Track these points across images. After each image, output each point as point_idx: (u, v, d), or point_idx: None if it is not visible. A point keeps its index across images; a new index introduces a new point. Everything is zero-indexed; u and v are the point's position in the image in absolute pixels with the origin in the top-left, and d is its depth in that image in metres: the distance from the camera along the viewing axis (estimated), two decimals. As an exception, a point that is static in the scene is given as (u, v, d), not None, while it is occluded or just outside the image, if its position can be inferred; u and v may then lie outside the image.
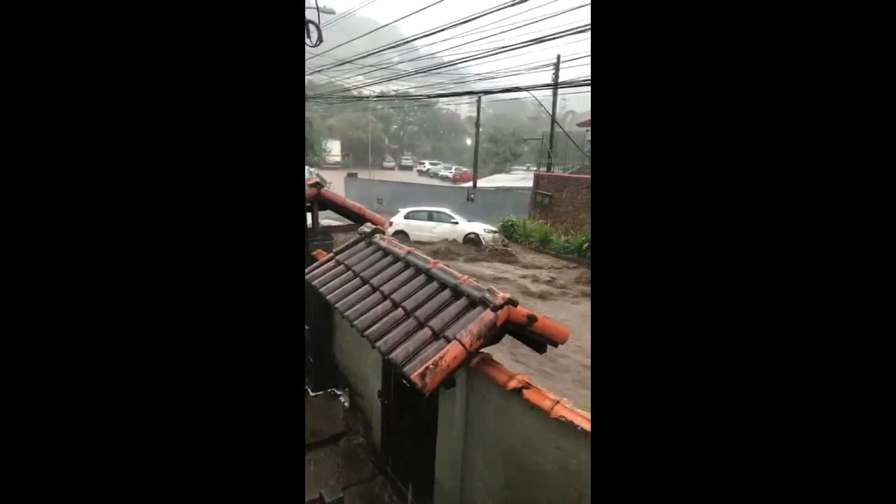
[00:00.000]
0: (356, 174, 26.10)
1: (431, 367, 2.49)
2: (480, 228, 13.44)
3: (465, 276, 3.11)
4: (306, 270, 3.99)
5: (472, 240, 13.06)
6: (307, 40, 4.36)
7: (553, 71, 14.90)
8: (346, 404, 4.80)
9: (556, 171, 17.58)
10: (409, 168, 41.92)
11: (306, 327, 4.93)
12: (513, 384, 2.70)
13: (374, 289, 3.29)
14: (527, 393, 2.63)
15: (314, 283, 3.73)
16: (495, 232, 13.61)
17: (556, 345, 3.04)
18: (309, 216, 5.10)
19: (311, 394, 4.90)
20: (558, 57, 14.64)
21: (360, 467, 4.05)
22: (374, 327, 2.90)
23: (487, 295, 2.80)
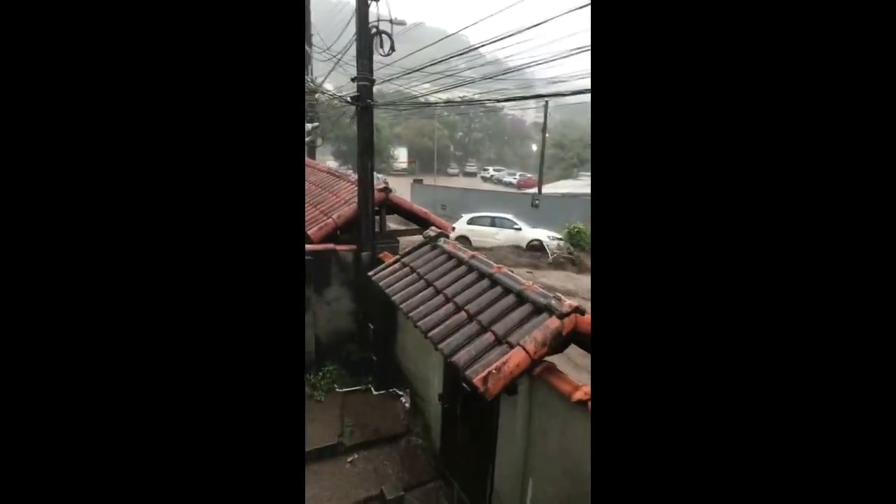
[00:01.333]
0: (422, 180, 26.65)
1: (494, 372, 2.46)
2: (544, 235, 13.14)
3: (531, 283, 3.05)
4: (373, 272, 4.12)
5: (535, 246, 12.81)
6: (379, 50, 4.54)
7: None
8: (407, 405, 4.88)
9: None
10: (472, 174, 42.15)
11: (371, 326, 5.09)
12: (578, 396, 2.59)
13: (438, 291, 3.32)
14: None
15: (380, 283, 3.84)
16: (560, 239, 13.25)
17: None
18: (377, 219, 5.28)
19: (374, 392, 5.04)
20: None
21: (419, 469, 4.10)
22: (437, 329, 2.93)
23: (553, 302, 2.72)
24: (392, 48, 4.58)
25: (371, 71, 4.60)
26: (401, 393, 5.06)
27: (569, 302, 2.68)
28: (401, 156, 40.82)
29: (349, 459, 4.12)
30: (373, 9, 4.47)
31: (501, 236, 13.11)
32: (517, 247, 12.80)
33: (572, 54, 3.78)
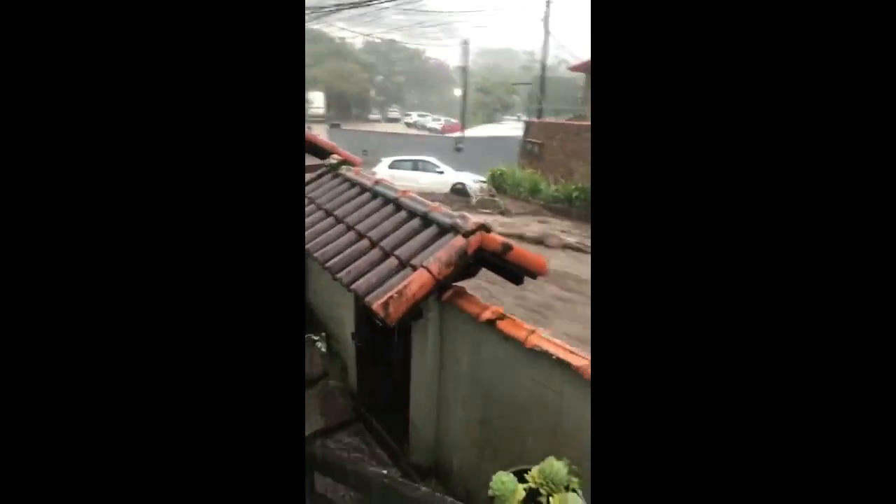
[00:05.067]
0: (339, 125, 25.07)
1: (396, 296, 2.27)
2: (468, 178, 13.05)
3: (437, 204, 2.85)
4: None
5: (459, 190, 12.70)
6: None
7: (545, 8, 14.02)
8: (323, 349, 4.65)
9: (548, 118, 16.97)
10: (395, 120, 40.55)
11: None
12: (486, 315, 2.50)
13: (339, 220, 3.03)
14: (500, 324, 2.44)
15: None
16: (483, 182, 13.25)
17: (534, 276, 2.83)
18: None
19: (287, 340, 4.75)
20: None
21: (337, 411, 3.95)
22: (335, 259, 2.66)
23: (459, 221, 2.55)
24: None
25: None
26: (316, 338, 4.80)
27: (474, 220, 2.52)
28: (316, 100, 37.82)
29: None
30: None
31: (424, 180, 12.80)
32: (440, 191, 12.60)
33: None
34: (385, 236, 2.73)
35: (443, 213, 2.70)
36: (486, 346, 2.57)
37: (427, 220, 2.72)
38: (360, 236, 2.81)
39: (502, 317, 2.47)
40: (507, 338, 2.39)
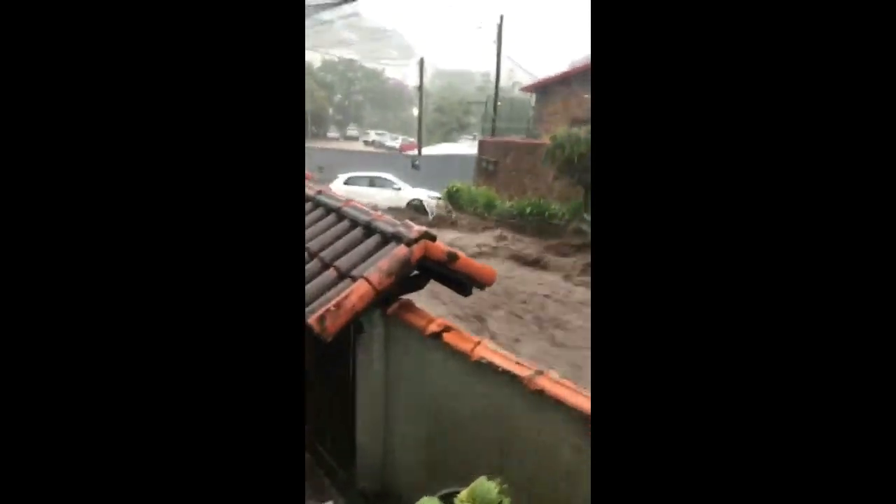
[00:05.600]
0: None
1: (333, 309, 2.13)
2: (424, 195, 13.06)
3: (380, 213, 2.75)
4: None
5: (416, 206, 12.66)
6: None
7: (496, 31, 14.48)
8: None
9: (502, 137, 17.35)
10: (354, 139, 40.39)
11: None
12: (432, 328, 2.40)
13: (277, 231, 2.85)
14: (447, 336, 2.34)
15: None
16: (439, 198, 13.29)
17: (482, 287, 2.76)
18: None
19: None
20: (501, 17, 14.22)
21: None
22: (269, 271, 2.49)
23: (402, 229, 2.45)
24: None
25: None
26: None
27: (417, 227, 2.43)
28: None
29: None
30: None
31: (381, 197, 12.68)
32: (397, 207, 12.52)
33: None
34: (325, 247, 2.59)
35: (386, 221, 2.60)
36: (433, 359, 2.46)
37: (370, 230, 2.61)
38: (299, 248, 2.65)
39: (448, 329, 2.38)
40: (454, 351, 2.29)
